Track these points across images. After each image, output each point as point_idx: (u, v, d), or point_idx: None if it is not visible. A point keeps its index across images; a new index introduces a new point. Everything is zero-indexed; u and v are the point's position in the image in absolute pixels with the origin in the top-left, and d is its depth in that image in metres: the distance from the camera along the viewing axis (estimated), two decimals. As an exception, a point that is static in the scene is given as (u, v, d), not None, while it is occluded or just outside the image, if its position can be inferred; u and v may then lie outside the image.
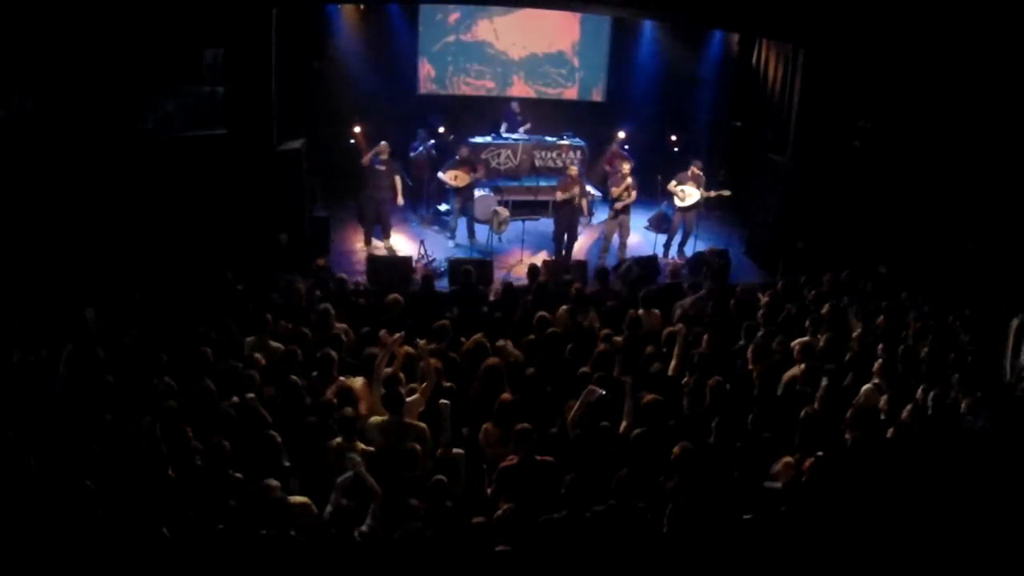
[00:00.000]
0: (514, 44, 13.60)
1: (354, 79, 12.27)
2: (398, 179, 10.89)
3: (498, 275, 9.89)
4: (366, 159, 10.58)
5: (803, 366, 6.17)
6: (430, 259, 10.44)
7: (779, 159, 11.46)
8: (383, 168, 10.63)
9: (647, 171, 12.41)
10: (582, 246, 11.39)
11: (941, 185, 10.14)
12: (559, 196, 10.47)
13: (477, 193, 11.59)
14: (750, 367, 6.31)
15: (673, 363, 6.27)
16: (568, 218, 10.58)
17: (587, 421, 5.26)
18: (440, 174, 11.24)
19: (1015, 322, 6.83)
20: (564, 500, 4.51)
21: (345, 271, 9.58)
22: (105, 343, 6.09)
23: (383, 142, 10.68)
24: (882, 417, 5.71)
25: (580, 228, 11.15)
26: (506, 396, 5.41)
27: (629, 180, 10.56)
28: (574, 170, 10.66)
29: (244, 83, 9.65)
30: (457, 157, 11.34)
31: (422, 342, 5.93)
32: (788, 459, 4.99)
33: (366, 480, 4.55)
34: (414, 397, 5.49)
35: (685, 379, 5.92)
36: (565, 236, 10.66)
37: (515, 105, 13.00)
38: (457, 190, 11.19)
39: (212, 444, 4.69)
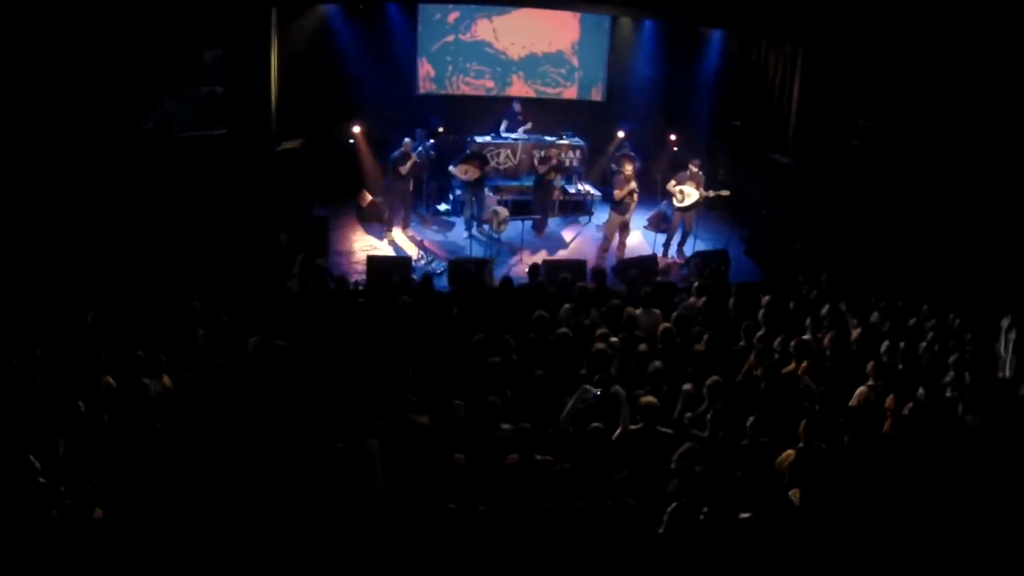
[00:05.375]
0: (513, 44, 13.61)
1: (354, 79, 12.29)
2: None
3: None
4: (405, 169, 10.84)
5: (803, 364, 6.18)
6: (430, 259, 10.45)
7: (779, 159, 11.47)
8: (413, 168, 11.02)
9: (647, 171, 12.42)
10: (580, 247, 11.42)
11: (941, 184, 10.14)
12: (539, 169, 11.67)
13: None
14: (754, 369, 6.30)
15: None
16: (542, 189, 11.63)
17: (580, 420, 5.25)
18: (451, 167, 11.35)
19: (1005, 322, 6.84)
20: (558, 497, 4.50)
21: (345, 271, 9.59)
22: (105, 344, 6.09)
23: (406, 140, 11.02)
24: (883, 415, 5.71)
25: (568, 223, 12.27)
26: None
27: (633, 183, 10.50)
28: (553, 151, 11.77)
29: (243, 83, 9.67)
30: (468, 151, 11.48)
31: None
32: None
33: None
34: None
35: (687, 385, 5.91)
36: (542, 207, 11.72)
37: (517, 105, 13.01)
38: (467, 184, 11.23)
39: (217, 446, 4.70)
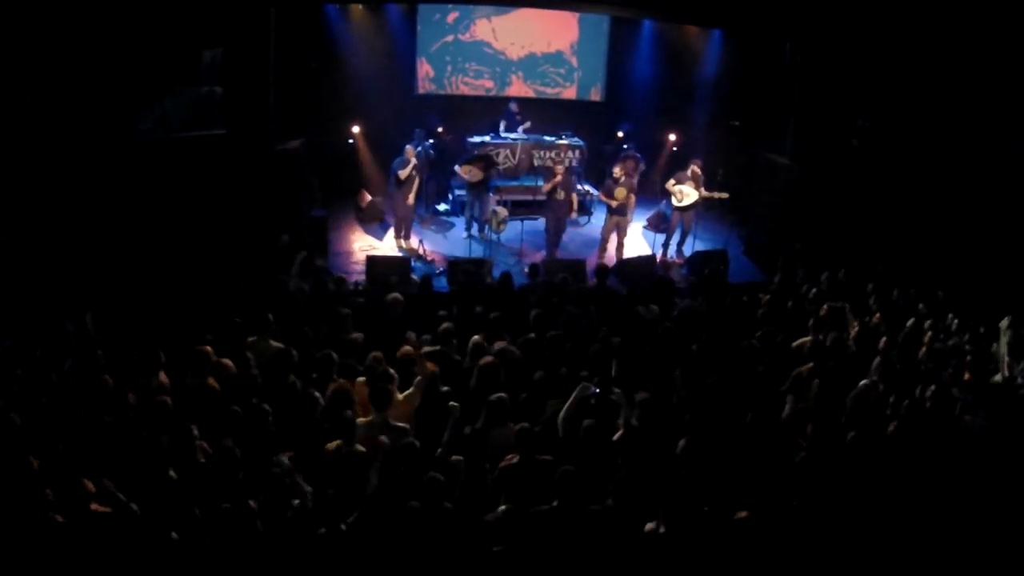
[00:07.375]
0: (512, 44, 13.61)
1: (353, 79, 12.29)
2: (417, 181, 10.93)
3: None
4: (404, 173, 10.51)
5: (806, 364, 6.18)
6: (429, 259, 10.45)
7: (778, 159, 11.47)
8: (415, 174, 10.74)
9: (646, 171, 12.42)
10: (580, 247, 11.42)
11: (939, 183, 10.15)
12: (544, 188, 10.68)
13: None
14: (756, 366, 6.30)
15: None
16: (554, 212, 10.68)
17: (577, 419, 5.25)
18: (456, 167, 11.30)
19: (1004, 322, 6.84)
20: (557, 496, 4.49)
21: (344, 271, 9.59)
22: (104, 345, 6.08)
23: (408, 147, 10.68)
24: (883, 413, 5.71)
25: (568, 223, 11.30)
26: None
27: (623, 187, 10.36)
28: (560, 168, 10.70)
29: (243, 83, 9.66)
30: (475, 153, 11.37)
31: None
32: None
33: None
34: (407, 393, 5.48)
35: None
36: (553, 230, 10.81)
37: (514, 105, 13.01)
38: (470, 185, 11.20)
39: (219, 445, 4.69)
